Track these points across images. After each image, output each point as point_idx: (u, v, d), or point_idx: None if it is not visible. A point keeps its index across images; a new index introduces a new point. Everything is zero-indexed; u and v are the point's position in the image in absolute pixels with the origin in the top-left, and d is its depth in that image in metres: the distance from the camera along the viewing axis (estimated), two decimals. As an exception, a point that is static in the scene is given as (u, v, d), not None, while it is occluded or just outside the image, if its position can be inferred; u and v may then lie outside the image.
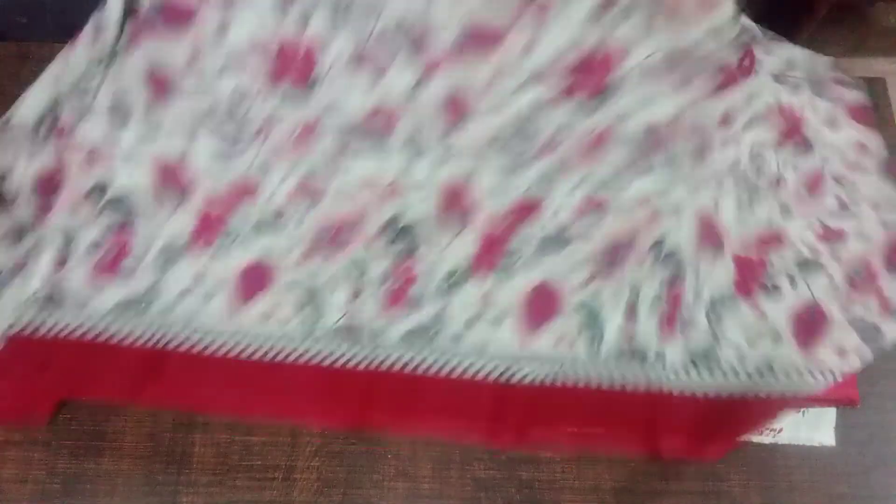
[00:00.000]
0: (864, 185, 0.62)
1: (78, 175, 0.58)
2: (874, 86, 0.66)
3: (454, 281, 0.57)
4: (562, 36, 0.58)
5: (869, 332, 0.56)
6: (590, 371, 0.54)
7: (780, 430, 0.55)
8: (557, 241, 0.57)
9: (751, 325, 0.56)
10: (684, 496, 0.54)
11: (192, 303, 0.55)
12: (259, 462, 0.53)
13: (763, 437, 0.55)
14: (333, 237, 0.57)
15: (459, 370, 0.54)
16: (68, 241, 0.56)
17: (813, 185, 0.61)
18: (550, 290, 0.57)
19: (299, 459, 0.54)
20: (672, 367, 0.54)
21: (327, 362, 0.54)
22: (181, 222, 0.57)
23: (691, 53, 0.58)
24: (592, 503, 0.53)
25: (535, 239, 0.57)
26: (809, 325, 0.56)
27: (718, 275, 0.57)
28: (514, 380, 0.54)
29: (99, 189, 0.58)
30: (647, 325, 0.55)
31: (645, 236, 0.57)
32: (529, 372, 0.54)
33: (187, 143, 0.59)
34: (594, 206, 0.58)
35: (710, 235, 0.58)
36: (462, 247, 0.57)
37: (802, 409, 0.56)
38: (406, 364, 0.54)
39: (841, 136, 0.63)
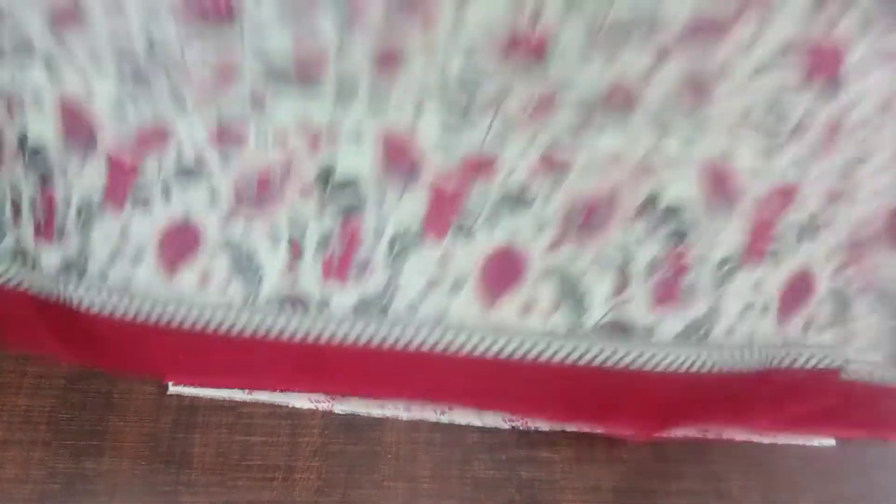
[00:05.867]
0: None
1: (303, 160, 0.54)
2: (874, 86, 0.66)
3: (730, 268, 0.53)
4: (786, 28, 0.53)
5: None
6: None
7: (780, 430, 0.55)
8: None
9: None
10: (684, 496, 0.54)
11: (431, 298, 0.53)
12: (259, 462, 0.53)
13: (763, 437, 0.55)
14: (587, 216, 0.54)
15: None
16: (301, 229, 0.54)
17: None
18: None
19: (299, 459, 0.54)
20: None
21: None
22: (412, 204, 0.54)
23: None
24: (592, 503, 0.53)
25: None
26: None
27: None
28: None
29: (325, 173, 0.54)
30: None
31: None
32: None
33: (415, 116, 0.54)
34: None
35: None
36: (733, 233, 0.54)
37: (802, 410, 0.56)
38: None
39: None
